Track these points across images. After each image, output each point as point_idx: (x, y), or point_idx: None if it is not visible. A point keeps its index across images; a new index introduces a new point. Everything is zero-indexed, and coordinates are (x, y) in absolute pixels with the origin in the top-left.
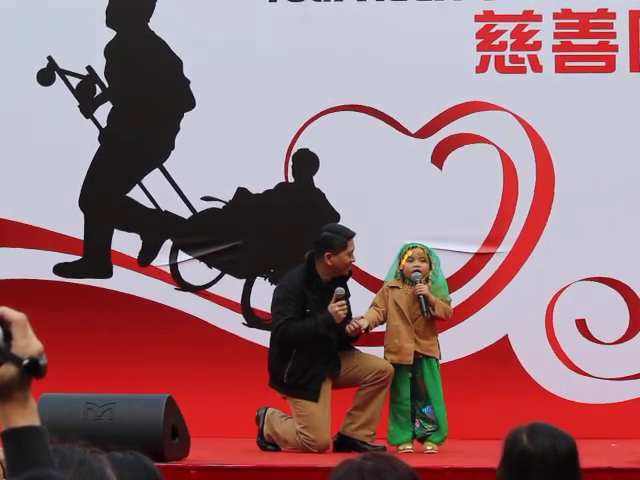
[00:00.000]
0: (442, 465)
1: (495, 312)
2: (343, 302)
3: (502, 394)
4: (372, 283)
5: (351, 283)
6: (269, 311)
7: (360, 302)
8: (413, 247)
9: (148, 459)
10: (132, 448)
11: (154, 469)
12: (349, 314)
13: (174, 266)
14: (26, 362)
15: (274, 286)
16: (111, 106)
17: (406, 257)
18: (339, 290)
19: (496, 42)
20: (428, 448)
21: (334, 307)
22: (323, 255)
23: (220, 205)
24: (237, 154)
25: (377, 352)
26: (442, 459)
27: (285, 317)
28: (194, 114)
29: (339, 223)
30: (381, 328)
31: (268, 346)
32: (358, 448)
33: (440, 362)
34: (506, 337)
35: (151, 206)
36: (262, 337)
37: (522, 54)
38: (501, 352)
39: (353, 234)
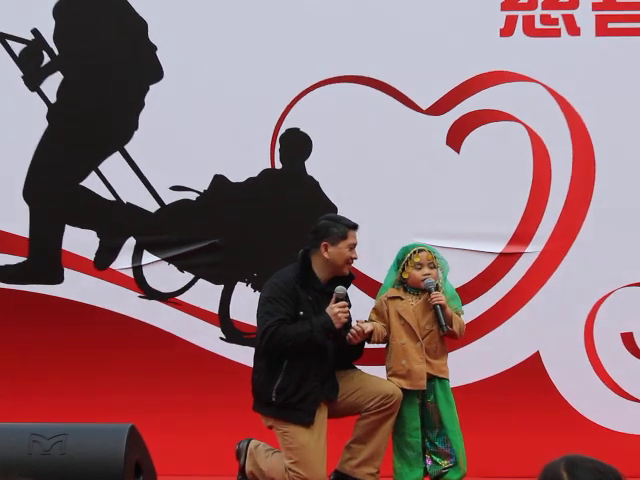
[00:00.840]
0: None
1: (524, 324)
2: (344, 303)
3: (532, 423)
4: (375, 288)
5: (350, 288)
6: (252, 323)
7: (360, 310)
8: (419, 250)
9: None
10: None
11: None
12: (348, 325)
13: (138, 269)
14: None
15: (258, 293)
16: (62, 77)
17: (412, 263)
18: (340, 289)
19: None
20: None
21: (334, 308)
22: (320, 246)
23: (193, 196)
24: (213, 135)
25: (381, 372)
26: None
27: (275, 318)
28: (161, 87)
29: None
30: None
31: (252, 363)
32: None
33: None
34: (537, 354)
35: (110, 198)
36: (243, 354)
37: (555, 14)
38: (531, 372)
39: (356, 225)
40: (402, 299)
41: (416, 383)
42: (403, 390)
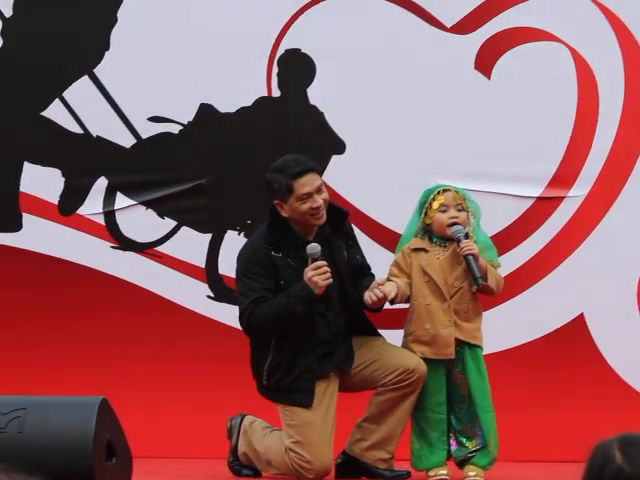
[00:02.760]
0: None
1: (566, 282)
2: (320, 264)
3: (574, 398)
4: (394, 241)
5: (365, 241)
6: None
7: (378, 268)
8: (445, 190)
9: None
10: (53, 473)
11: None
12: (365, 277)
13: (110, 215)
14: None
15: None
16: None
17: (436, 205)
18: (311, 247)
19: None
20: (471, 474)
21: (307, 272)
22: (275, 206)
23: (176, 129)
24: (199, 57)
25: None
26: None
27: (249, 299)
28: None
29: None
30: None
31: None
32: (371, 473)
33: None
34: (581, 317)
35: (77, 130)
36: (235, 316)
37: None
38: (574, 338)
39: (305, 169)
40: (427, 251)
41: (442, 351)
42: (427, 359)
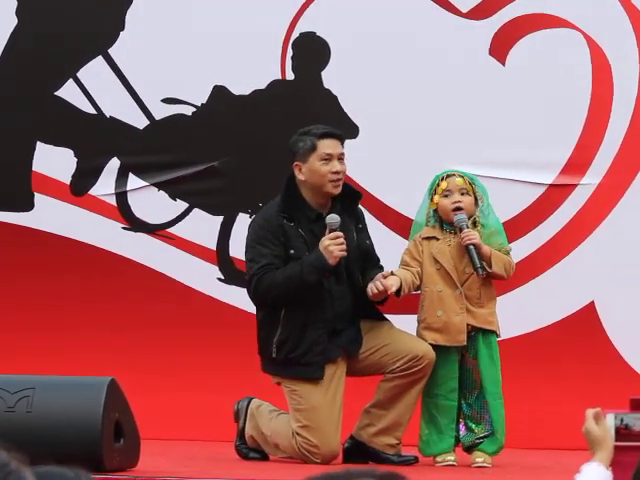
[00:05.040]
0: None
1: (577, 270)
2: (338, 234)
3: (583, 386)
4: (405, 226)
5: (376, 227)
6: None
7: (389, 254)
8: (449, 176)
9: (85, 475)
10: (61, 453)
11: None
12: (374, 265)
13: (122, 196)
14: None
15: None
16: None
17: (440, 190)
18: (331, 217)
19: None
20: (478, 460)
21: (324, 241)
22: (294, 169)
23: (189, 110)
24: (213, 38)
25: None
26: (499, 477)
27: (258, 265)
28: None
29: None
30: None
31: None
32: (378, 459)
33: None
34: (591, 305)
35: (91, 111)
36: (245, 299)
37: None
38: (584, 326)
39: (330, 133)
40: (437, 239)
41: (455, 338)
42: (440, 348)
